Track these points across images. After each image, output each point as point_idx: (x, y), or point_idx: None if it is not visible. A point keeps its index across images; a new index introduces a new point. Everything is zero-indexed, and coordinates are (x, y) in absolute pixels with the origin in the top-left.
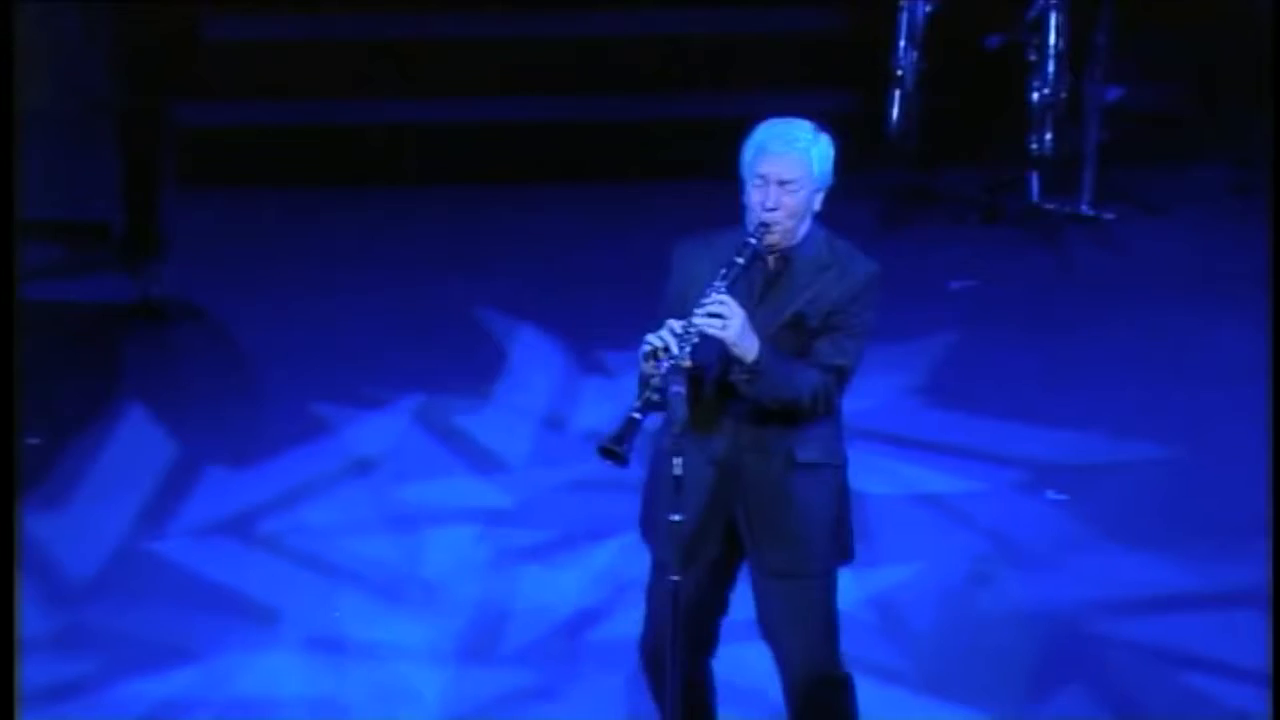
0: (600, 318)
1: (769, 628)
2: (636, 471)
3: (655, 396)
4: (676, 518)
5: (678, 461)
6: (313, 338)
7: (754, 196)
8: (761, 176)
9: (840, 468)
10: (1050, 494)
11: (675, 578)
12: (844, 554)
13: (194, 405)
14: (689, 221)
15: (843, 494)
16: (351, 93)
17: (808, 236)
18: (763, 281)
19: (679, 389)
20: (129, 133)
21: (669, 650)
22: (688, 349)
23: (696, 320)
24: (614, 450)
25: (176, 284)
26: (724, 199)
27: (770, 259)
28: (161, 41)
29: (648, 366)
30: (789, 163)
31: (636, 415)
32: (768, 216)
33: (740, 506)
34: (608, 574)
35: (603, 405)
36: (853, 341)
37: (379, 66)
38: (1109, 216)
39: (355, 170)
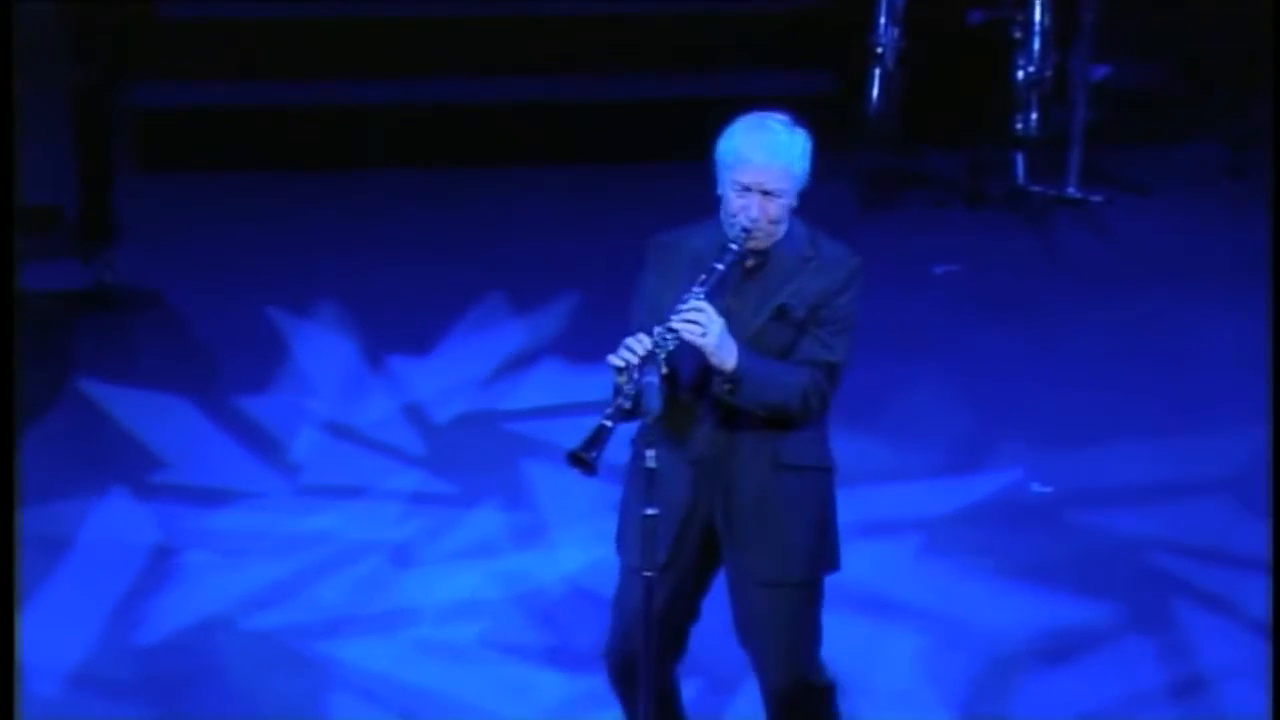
0: (579, 304)
1: (748, 635)
2: None
3: (627, 404)
4: (651, 511)
5: (650, 454)
6: (272, 326)
7: (734, 203)
8: (744, 186)
9: (828, 471)
10: (1035, 486)
11: (648, 574)
12: (830, 562)
13: (148, 394)
14: (664, 204)
15: (829, 499)
16: (313, 74)
17: (788, 231)
18: (741, 277)
19: (652, 379)
20: (82, 114)
21: (642, 651)
22: (663, 354)
23: (675, 325)
24: (583, 458)
25: (131, 270)
26: (699, 182)
27: (748, 258)
28: (116, 20)
29: (620, 377)
30: (774, 175)
31: (607, 423)
32: (751, 226)
33: (720, 510)
34: None
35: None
36: (840, 337)
37: (341, 46)
38: (1096, 199)
39: (317, 154)
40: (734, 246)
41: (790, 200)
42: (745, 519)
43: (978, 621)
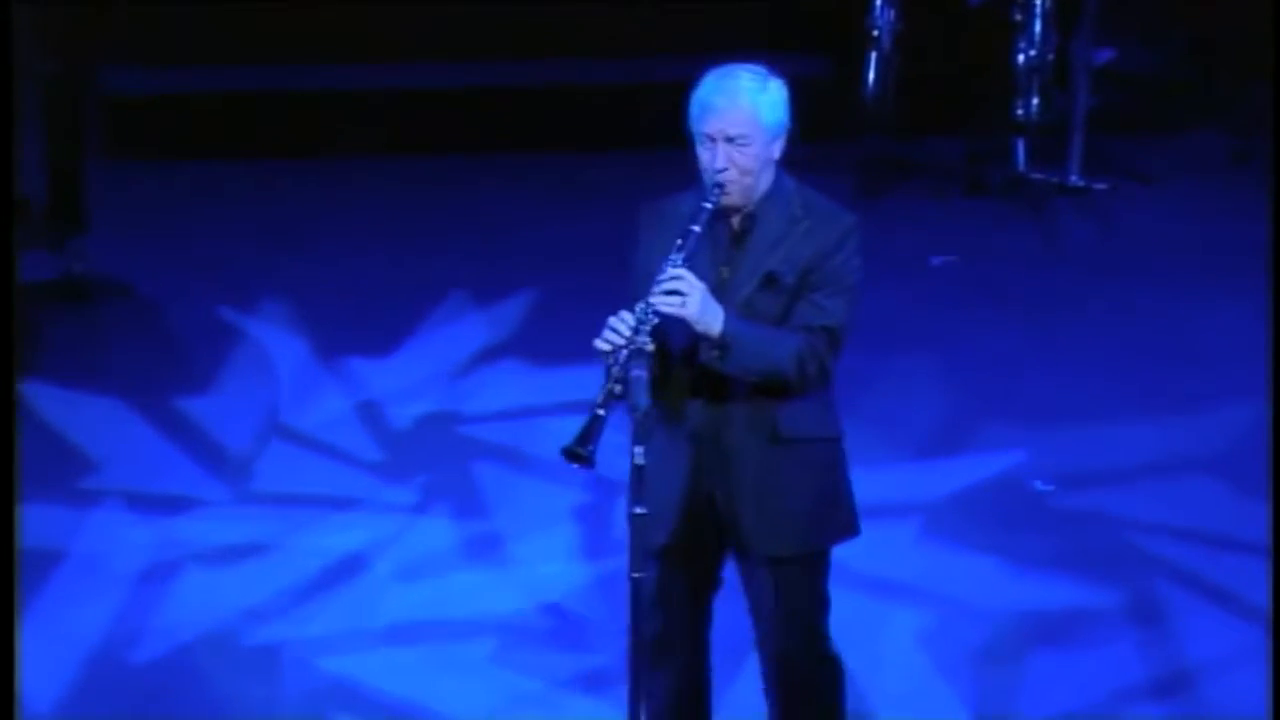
0: (572, 294)
1: (754, 608)
2: None
3: (618, 389)
4: (640, 510)
5: (639, 450)
6: (245, 318)
7: (703, 157)
8: (708, 135)
9: (834, 440)
10: (1038, 484)
11: (636, 575)
12: (844, 530)
13: (120, 390)
14: (654, 191)
15: (837, 469)
16: (288, 59)
17: (774, 189)
18: (729, 242)
19: (639, 372)
20: (51, 100)
21: (631, 653)
22: (647, 331)
23: (653, 300)
24: (578, 452)
25: (101, 260)
26: (690, 166)
27: (735, 218)
28: (86, 3)
29: (607, 358)
30: (735, 118)
31: (600, 412)
32: (720, 177)
33: (720, 486)
34: None
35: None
36: (837, 299)
37: (317, 31)
38: (1099, 187)
39: (292, 141)
40: (707, 205)
41: (761, 150)
42: (744, 495)
43: (977, 604)
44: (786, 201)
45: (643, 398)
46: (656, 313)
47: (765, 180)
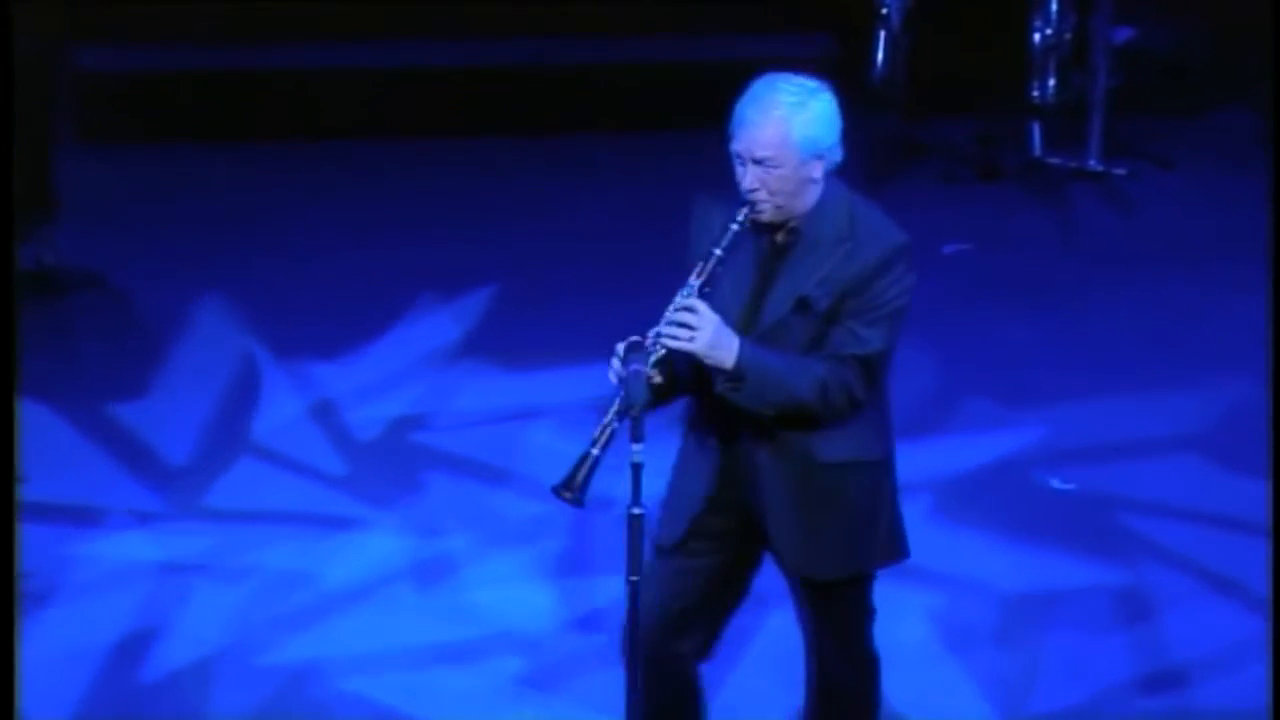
0: (577, 285)
1: (798, 619)
2: None
3: (616, 424)
4: (637, 511)
5: (637, 448)
6: (223, 308)
7: (737, 173)
8: (737, 154)
9: (878, 463)
10: (1055, 482)
11: (634, 578)
12: (886, 554)
13: (91, 385)
14: (661, 176)
15: (880, 492)
16: (266, 37)
17: (823, 204)
18: (769, 258)
19: (637, 367)
20: (19, 80)
21: (627, 657)
22: (651, 360)
23: (661, 330)
24: (565, 495)
25: (72, 250)
26: (696, 150)
27: (779, 233)
28: None
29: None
30: (763, 138)
31: (594, 451)
32: (749, 198)
33: (754, 503)
34: None
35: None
36: (875, 328)
37: (294, 7)
38: (1119, 172)
39: (272, 123)
40: (734, 225)
41: (793, 172)
42: (777, 516)
43: (983, 584)
44: (835, 217)
45: (640, 393)
46: (664, 345)
47: (806, 198)
